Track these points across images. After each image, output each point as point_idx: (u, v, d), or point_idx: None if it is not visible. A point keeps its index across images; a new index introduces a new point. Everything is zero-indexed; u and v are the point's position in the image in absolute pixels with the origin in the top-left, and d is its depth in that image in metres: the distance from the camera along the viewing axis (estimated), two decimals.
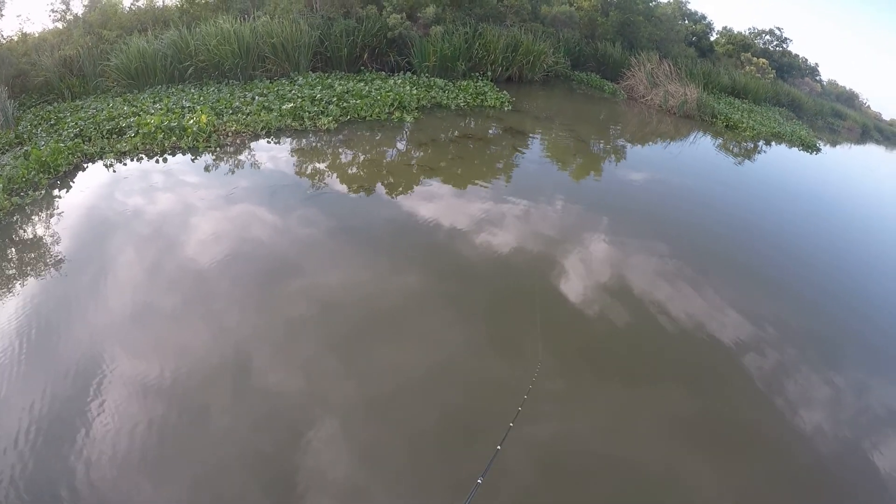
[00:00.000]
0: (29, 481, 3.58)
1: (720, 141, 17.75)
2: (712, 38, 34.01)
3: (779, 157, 18.01)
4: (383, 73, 17.00)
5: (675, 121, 19.18)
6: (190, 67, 14.45)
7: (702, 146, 16.75)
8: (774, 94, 28.82)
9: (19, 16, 17.48)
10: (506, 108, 15.31)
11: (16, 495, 3.48)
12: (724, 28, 35.47)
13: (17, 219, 7.07)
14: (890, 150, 34.54)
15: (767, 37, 36.49)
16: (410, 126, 12.38)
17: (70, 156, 8.73)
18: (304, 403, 4.45)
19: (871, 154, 29.86)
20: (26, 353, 4.69)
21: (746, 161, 16.16)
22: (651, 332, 5.97)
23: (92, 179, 8.37)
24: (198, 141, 9.70)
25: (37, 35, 16.39)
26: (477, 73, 18.05)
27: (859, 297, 8.07)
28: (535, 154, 12.08)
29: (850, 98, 46.11)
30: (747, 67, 30.56)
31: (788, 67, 36.68)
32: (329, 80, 14.73)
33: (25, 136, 10.26)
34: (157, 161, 9.05)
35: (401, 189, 8.85)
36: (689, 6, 33.10)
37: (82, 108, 11.99)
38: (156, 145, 9.44)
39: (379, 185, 8.92)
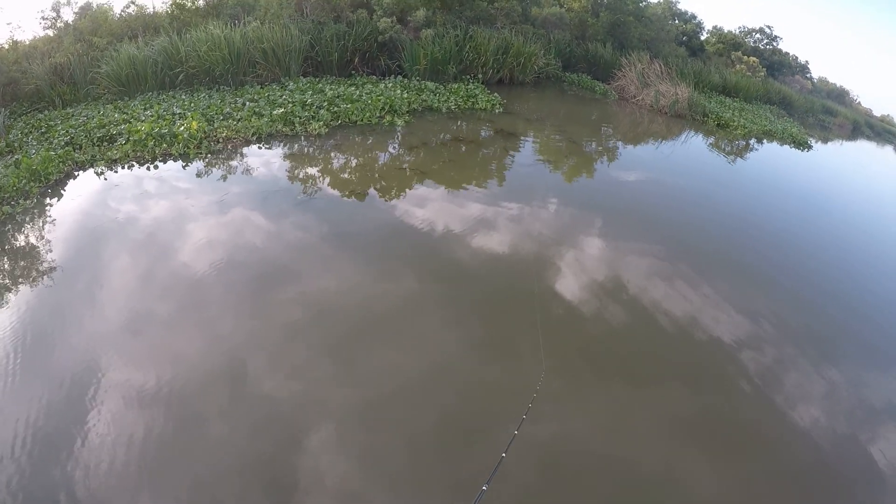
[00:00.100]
0: (25, 491, 3.59)
1: (712, 140, 17.86)
2: (703, 38, 34.13)
3: (770, 155, 18.10)
4: (374, 77, 17.04)
5: (667, 120, 19.26)
6: (180, 74, 14.41)
7: (694, 145, 16.84)
8: (765, 92, 28.93)
9: (10, 24, 17.42)
10: (497, 111, 15.36)
11: None
12: (715, 27, 35.60)
13: (8, 228, 7.06)
14: (881, 146, 34.66)
15: (757, 35, 36.62)
16: (402, 130, 12.40)
17: (61, 164, 8.72)
18: (303, 410, 4.46)
19: (862, 150, 29.97)
20: (20, 362, 4.69)
21: (738, 159, 16.25)
22: (651, 333, 6.03)
23: (83, 187, 8.36)
24: (189, 147, 9.71)
25: (27, 43, 16.30)
26: (468, 76, 18.09)
27: (855, 293, 8.15)
28: (528, 156, 12.11)
29: (840, 95, 46.30)
30: (738, 66, 30.66)
31: (779, 65, 36.82)
32: (320, 85, 14.75)
33: (16, 145, 10.21)
34: (148, 168, 9.05)
35: (393, 193, 8.88)
36: (679, 6, 33.24)
37: (73, 115, 11.95)
38: (146, 152, 9.44)
39: (371, 189, 8.95)
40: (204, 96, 13.40)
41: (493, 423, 4.47)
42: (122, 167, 9.05)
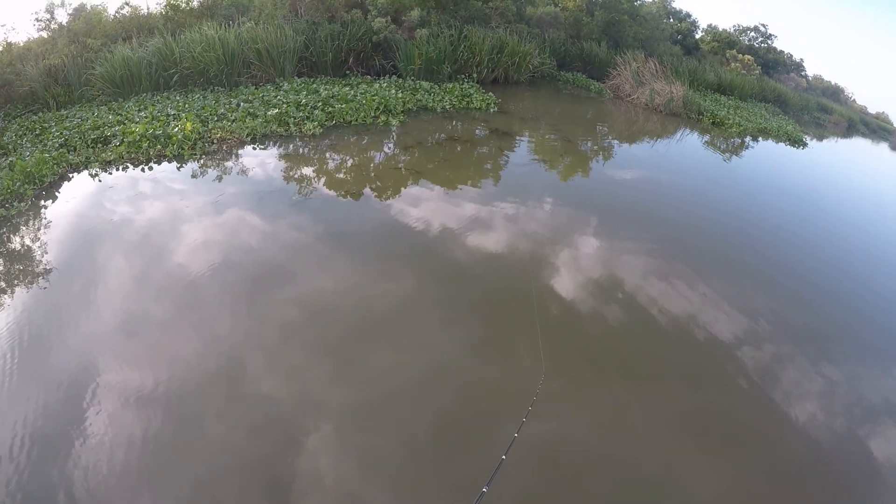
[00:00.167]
0: (23, 492, 3.60)
1: (707, 138, 17.88)
2: (697, 36, 34.26)
3: (766, 153, 18.13)
4: (369, 77, 17.05)
5: (662, 119, 19.30)
6: (175, 75, 14.43)
7: (689, 143, 16.86)
8: (760, 90, 29.02)
9: (3, 25, 17.42)
10: (492, 110, 15.38)
11: None
12: (710, 26, 35.73)
13: (2, 231, 7.05)
14: (876, 144, 34.78)
15: (752, 34, 36.77)
16: (396, 129, 12.41)
17: (55, 166, 8.71)
18: (300, 410, 4.46)
19: (857, 148, 30.07)
20: (17, 364, 4.69)
21: (734, 157, 16.27)
22: (650, 332, 6.04)
23: (77, 189, 8.35)
24: (183, 149, 9.71)
25: (21, 45, 16.35)
26: (462, 76, 18.12)
27: (853, 292, 8.16)
28: (523, 155, 12.11)
29: (835, 92, 46.47)
30: (733, 64, 30.76)
31: (774, 63, 36.92)
32: (314, 85, 14.76)
33: (10, 147, 10.21)
34: (143, 170, 9.04)
35: (389, 193, 8.89)
36: (674, 4, 33.38)
37: (67, 117, 11.95)
38: (141, 154, 9.44)
39: (366, 189, 8.96)
40: (198, 97, 13.41)
41: (492, 424, 4.48)
42: (117, 169, 9.04)
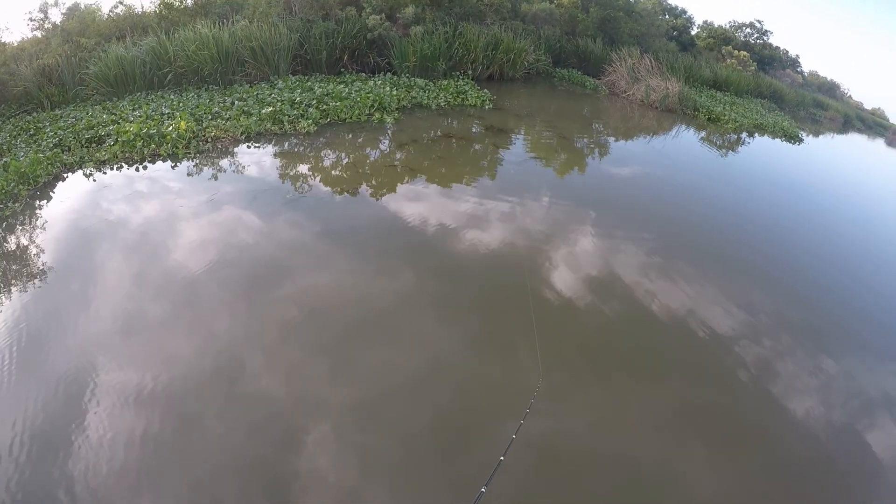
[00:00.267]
0: (22, 492, 3.62)
1: (703, 134, 17.90)
2: (693, 33, 34.27)
3: (762, 149, 18.16)
4: (364, 74, 17.03)
5: (658, 115, 19.31)
6: (169, 74, 14.40)
7: (685, 139, 16.89)
8: (756, 86, 29.02)
9: None
10: (487, 107, 15.38)
11: None
12: (705, 22, 35.80)
13: None
14: (872, 139, 34.84)
15: (748, 30, 36.75)
16: (391, 127, 12.41)
17: (49, 166, 8.70)
18: (297, 410, 4.47)
19: (853, 143, 30.10)
20: (14, 365, 4.70)
21: (730, 153, 16.29)
22: (647, 330, 6.05)
23: (72, 189, 8.35)
24: (177, 148, 9.70)
25: (15, 44, 16.33)
26: (457, 73, 18.13)
27: (849, 287, 8.19)
28: (519, 152, 12.12)
29: (831, 88, 46.47)
30: (728, 60, 30.78)
31: (770, 59, 36.95)
32: (309, 83, 14.75)
33: (5, 148, 10.19)
34: (137, 169, 9.04)
35: (384, 190, 8.90)
36: (670, 1, 33.36)
37: (62, 117, 11.95)
38: (135, 153, 9.43)
39: (361, 186, 8.95)
40: (192, 96, 13.40)
41: (490, 424, 4.50)
42: (111, 168, 9.03)
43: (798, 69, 41.39)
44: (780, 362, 5.85)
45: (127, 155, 9.41)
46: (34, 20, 17.12)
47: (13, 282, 6.01)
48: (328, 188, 8.77)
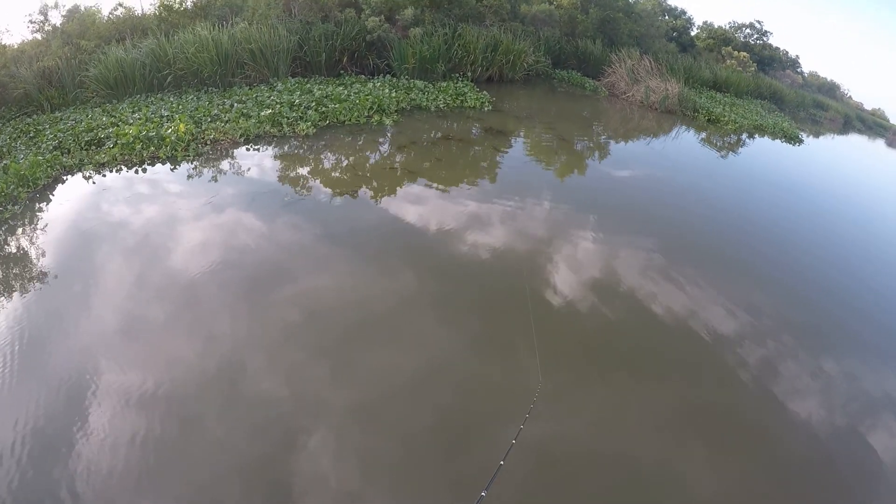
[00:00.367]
0: (23, 494, 3.63)
1: (703, 135, 17.93)
2: (693, 33, 34.30)
3: (762, 150, 18.19)
4: (363, 76, 17.03)
5: (658, 116, 19.33)
6: (168, 76, 14.40)
7: (685, 140, 16.91)
8: (756, 86, 29.04)
9: None
10: (486, 109, 15.40)
11: None
12: (705, 23, 35.84)
13: None
14: (872, 140, 34.85)
15: (748, 30, 36.78)
16: (390, 129, 12.43)
17: (49, 169, 8.72)
18: (298, 412, 4.48)
19: (853, 144, 30.11)
20: (14, 366, 4.71)
21: (730, 154, 16.34)
22: (647, 331, 6.06)
23: (71, 192, 8.37)
24: (176, 150, 9.72)
25: (15, 47, 16.31)
26: (457, 75, 18.14)
27: (849, 287, 8.22)
28: (518, 154, 12.15)
29: (831, 89, 46.51)
30: (728, 61, 30.78)
31: (769, 60, 36.96)
32: (308, 85, 14.76)
33: (4, 150, 10.20)
34: (137, 171, 9.06)
35: (383, 192, 8.92)
36: (669, 2, 33.46)
37: (61, 119, 11.96)
38: (134, 156, 9.45)
39: (359, 188, 8.97)
40: (192, 98, 13.41)
41: (490, 427, 4.50)
42: (110, 171, 9.05)
43: (798, 70, 41.43)
44: (780, 363, 5.86)
45: (126, 157, 9.42)
46: (34, 22, 17.15)
47: (13, 284, 6.03)
48: (327, 190, 8.79)
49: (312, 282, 6.28)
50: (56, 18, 17.53)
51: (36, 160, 8.65)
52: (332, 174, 9.63)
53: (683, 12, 33.58)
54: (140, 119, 11.08)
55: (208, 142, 10.35)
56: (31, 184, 8.24)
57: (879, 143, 34.25)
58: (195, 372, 4.79)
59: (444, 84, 16.93)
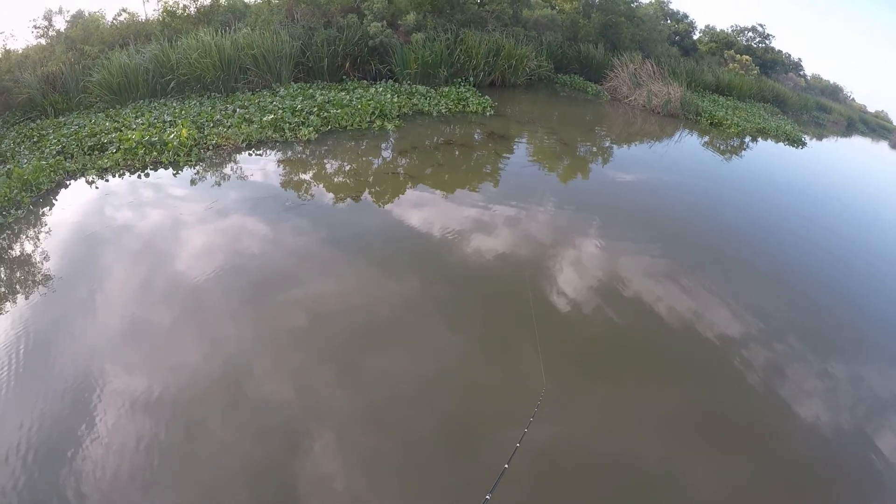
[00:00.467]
0: (30, 497, 3.63)
1: (706, 139, 17.87)
2: (695, 37, 34.31)
3: (765, 153, 18.13)
4: (365, 81, 17.07)
5: (660, 120, 19.31)
6: (171, 81, 14.46)
7: (687, 144, 16.88)
8: (758, 90, 28.99)
9: (2, 33, 17.54)
10: (488, 113, 15.40)
11: None
12: (707, 26, 35.77)
13: (0, 238, 7.10)
14: (876, 142, 34.80)
15: (750, 34, 36.73)
16: (392, 134, 12.45)
17: (52, 173, 8.75)
18: (303, 417, 4.48)
19: (857, 147, 30.08)
20: (20, 370, 4.73)
21: (734, 158, 16.28)
22: (652, 335, 6.05)
23: (74, 197, 8.40)
24: (178, 155, 9.75)
25: (20, 52, 16.41)
26: (459, 79, 18.16)
27: (856, 289, 8.21)
28: (521, 158, 12.14)
29: (834, 91, 46.49)
30: (730, 65, 30.76)
31: (772, 63, 36.90)
32: (310, 91, 14.80)
33: (8, 155, 10.25)
34: (139, 176, 9.08)
35: (386, 197, 8.93)
36: (671, 6, 33.49)
37: (65, 124, 12.00)
38: (137, 161, 9.48)
39: (361, 193, 8.99)
40: (195, 103, 13.45)
41: (495, 431, 4.50)
42: (113, 176, 9.08)
43: (801, 73, 41.35)
44: (786, 365, 5.84)
45: (129, 162, 9.45)
46: (38, 28, 17.24)
47: (17, 288, 6.05)
48: (329, 195, 8.80)
49: (316, 286, 6.28)
50: (60, 24, 17.65)
51: (39, 165, 8.70)
52: (335, 179, 9.64)
53: (685, 16, 33.64)
54: (143, 124, 11.12)
55: (211, 147, 10.38)
56: (34, 188, 8.27)
57: (883, 146, 34.21)
58: (199, 376, 4.79)
59: (447, 89, 16.97)
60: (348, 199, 8.68)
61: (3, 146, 10.92)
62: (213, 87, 14.83)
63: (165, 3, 17.54)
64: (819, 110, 35.56)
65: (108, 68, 14.10)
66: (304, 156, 10.67)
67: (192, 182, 8.98)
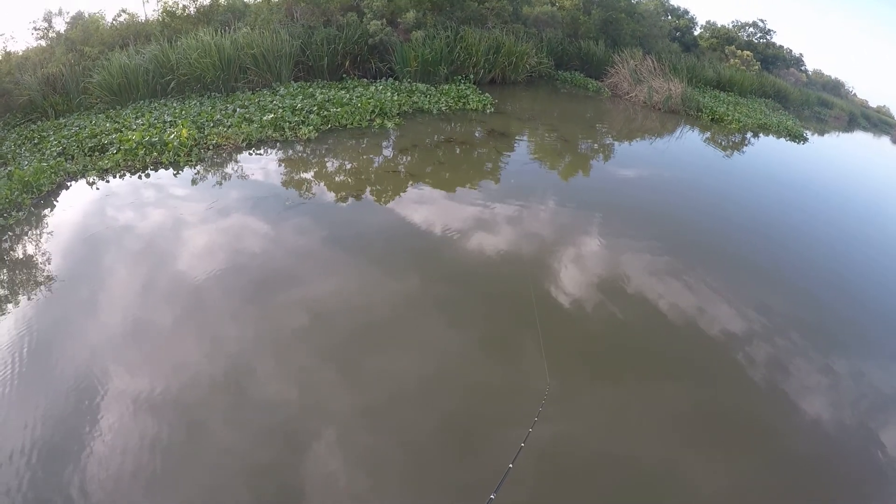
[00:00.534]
0: (33, 497, 3.64)
1: (707, 134, 17.84)
2: (696, 33, 34.22)
3: (767, 149, 18.11)
4: (365, 80, 17.02)
5: (661, 116, 19.27)
6: (172, 82, 14.44)
7: (689, 140, 16.86)
8: (760, 85, 28.90)
9: (2, 35, 17.49)
10: (489, 111, 15.36)
11: None
12: (708, 22, 35.70)
13: (1, 240, 7.09)
14: (878, 137, 34.73)
15: (751, 29, 36.62)
16: (393, 132, 12.44)
17: (53, 175, 8.75)
18: (305, 417, 4.48)
19: (859, 142, 30.03)
20: (23, 371, 4.74)
21: (735, 153, 16.26)
22: (655, 333, 6.04)
23: (74, 198, 8.40)
24: (179, 155, 9.75)
25: (20, 53, 16.41)
26: (459, 77, 18.09)
27: (860, 285, 8.20)
28: (522, 156, 12.11)
29: (835, 87, 46.38)
30: (731, 60, 30.67)
31: (773, 59, 36.81)
32: (310, 90, 14.77)
33: (9, 156, 10.25)
34: (140, 177, 9.08)
35: (386, 196, 8.93)
36: (672, 2, 33.37)
37: (65, 126, 11.99)
38: (137, 161, 9.47)
39: (362, 192, 8.99)
40: (195, 103, 13.43)
41: (499, 430, 4.49)
42: (114, 177, 9.08)
43: (802, 68, 41.25)
44: (790, 362, 5.83)
45: (129, 163, 9.44)
46: (38, 29, 17.27)
47: (18, 289, 6.06)
48: (330, 194, 8.80)
49: (317, 285, 6.28)
50: (60, 25, 17.68)
51: (40, 166, 8.70)
52: (335, 178, 9.63)
53: (686, 12, 33.54)
54: (143, 125, 11.11)
55: (211, 147, 10.37)
56: (35, 190, 8.27)
57: (885, 141, 34.14)
58: (201, 376, 4.80)
59: (447, 87, 16.91)
60: (349, 198, 8.67)
61: (3, 148, 10.92)
62: (213, 87, 14.81)
63: (165, 3, 17.50)
64: (821, 106, 35.47)
65: (108, 69, 14.09)
66: (304, 155, 10.67)
67: (193, 182, 8.98)
